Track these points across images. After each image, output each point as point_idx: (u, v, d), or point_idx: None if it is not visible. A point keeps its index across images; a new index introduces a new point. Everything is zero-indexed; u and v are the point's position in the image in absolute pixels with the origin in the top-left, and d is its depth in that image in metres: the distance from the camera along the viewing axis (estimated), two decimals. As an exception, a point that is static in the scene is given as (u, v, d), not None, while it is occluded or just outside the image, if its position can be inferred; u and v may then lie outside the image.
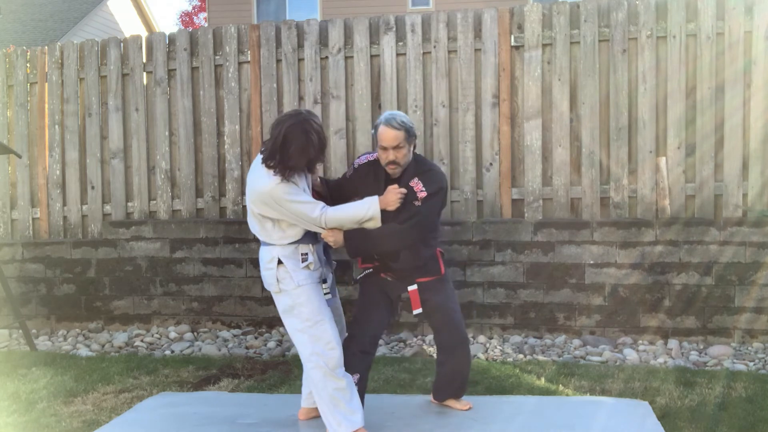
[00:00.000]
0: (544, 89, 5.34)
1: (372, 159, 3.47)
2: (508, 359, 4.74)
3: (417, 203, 3.30)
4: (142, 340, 5.50)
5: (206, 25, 17.28)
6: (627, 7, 5.21)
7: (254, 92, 5.74)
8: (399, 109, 5.51)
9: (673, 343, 4.92)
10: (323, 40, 5.66)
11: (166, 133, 5.90)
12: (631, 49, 5.22)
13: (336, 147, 5.61)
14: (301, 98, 5.69)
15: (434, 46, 5.46)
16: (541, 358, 4.74)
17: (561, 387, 4.04)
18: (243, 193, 5.79)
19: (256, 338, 5.43)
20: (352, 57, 5.61)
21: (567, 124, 5.29)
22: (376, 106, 5.58)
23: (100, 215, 6.01)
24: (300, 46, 5.68)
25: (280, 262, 3.23)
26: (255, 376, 4.41)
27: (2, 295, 5.42)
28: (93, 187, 6.02)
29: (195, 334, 5.61)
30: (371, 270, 3.52)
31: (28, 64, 6.17)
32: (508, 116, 5.37)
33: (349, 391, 3.26)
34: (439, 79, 5.46)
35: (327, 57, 5.65)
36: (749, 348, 4.86)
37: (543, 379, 4.17)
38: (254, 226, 3.31)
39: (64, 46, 6.10)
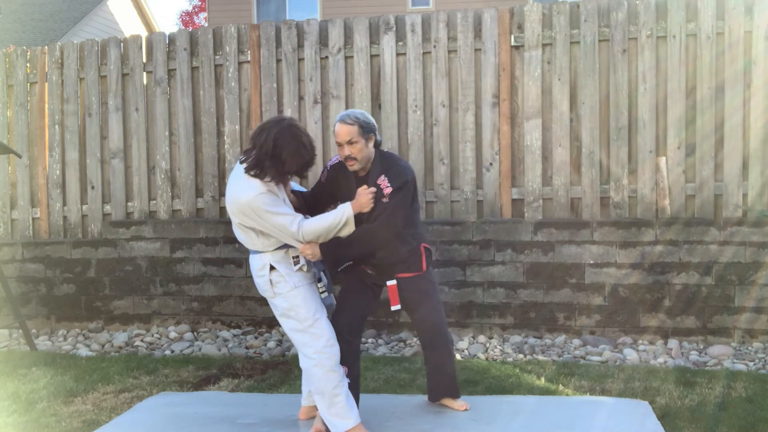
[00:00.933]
0: (544, 89, 5.34)
1: (341, 159, 3.49)
2: (508, 359, 4.74)
3: (385, 200, 3.33)
4: (142, 340, 5.50)
5: (206, 24, 17.28)
6: (627, 7, 5.21)
7: (254, 92, 5.74)
8: (399, 109, 5.52)
9: (673, 343, 4.92)
10: (323, 40, 5.66)
11: (166, 133, 5.90)
12: (631, 49, 5.22)
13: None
14: (301, 98, 5.69)
15: (434, 46, 5.46)
16: (541, 358, 4.74)
17: (561, 387, 4.04)
18: (243, 193, 5.78)
19: (256, 338, 5.43)
20: (352, 57, 5.61)
21: (567, 124, 5.29)
22: (376, 106, 5.58)
23: (100, 215, 6.01)
24: (300, 46, 5.68)
25: (272, 267, 3.25)
26: (255, 376, 4.41)
27: (2, 295, 5.42)
28: (93, 187, 6.02)
29: (195, 333, 5.61)
30: (352, 262, 3.54)
31: (28, 64, 6.17)
32: (508, 116, 5.37)
33: (345, 387, 3.27)
34: (439, 79, 5.46)
35: (327, 57, 5.65)
36: (749, 348, 4.86)
37: (543, 379, 4.16)
38: (240, 236, 3.32)
39: (64, 46, 6.10)
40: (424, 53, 5.50)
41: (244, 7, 14.47)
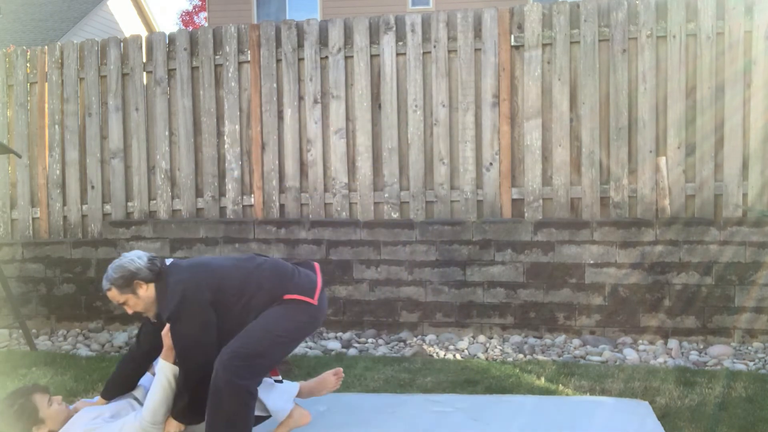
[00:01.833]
0: (544, 89, 5.34)
1: None
2: (508, 359, 4.74)
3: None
4: (142, 340, 5.50)
5: (206, 24, 17.28)
6: (627, 7, 5.21)
7: (254, 92, 5.74)
8: (399, 109, 5.52)
9: (673, 342, 4.92)
10: (323, 40, 5.66)
11: (166, 133, 5.90)
12: (631, 49, 5.22)
13: (336, 147, 5.61)
14: (301, 98, 5.69)
15: (434, 46, 5.46)
16: (541, 357, 4.74)
17: (561, 387, 4.04)
18: (243, 193, 5.79)
19: (256, 338, 5.43)
20: (352, 57, 5.61)
21: (567, 124, 5.29)
22: (376, 105, 5.58)
23: (100, 215, 6.01)
24: (300, 45, 5.68)
25: None
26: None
27: (2, 295, 5.42)
28: (93, 187, 6.02)
29: (195, 334, 5.60)
30: None
31: (28, 64, 6.17)
32: (508, 116, 5.37)
33: None
34: (439, 79, 5.46)
35: (327, 57, 5.65)
36: (749, 348, 4.86)
37: (543, 379, 4.16)
38: None
39: (64, 46, 6.10)
40: (424, 53, 5.50)
41: (244, 7, 14.48)
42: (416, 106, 5.49)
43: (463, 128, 5.43)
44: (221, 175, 5.83)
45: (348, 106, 5.62)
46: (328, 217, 5.65)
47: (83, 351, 5.29)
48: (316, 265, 3.39)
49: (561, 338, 5.11)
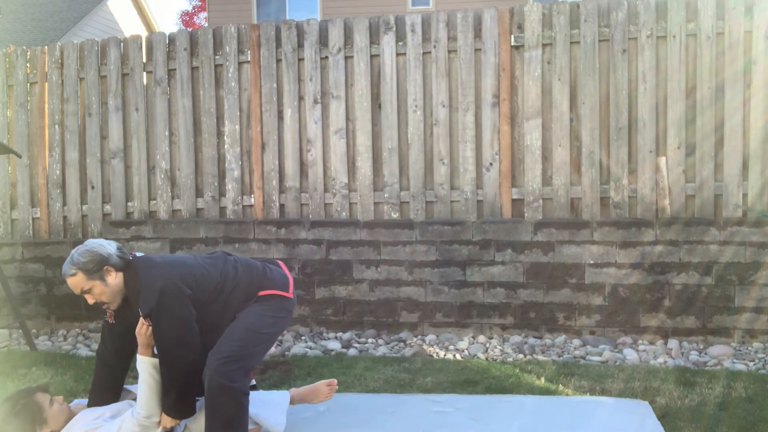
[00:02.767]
0: (544, 89, 5.34)
1: None
2: (508, 359, 4.74)
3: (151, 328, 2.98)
4: (142, 340, 5.50)
5: (206, 24, 17.28)
6: (627, 7, 5.21)
7: (254, 92, 5.74)
8: (399, 109, 5.52)
9: (673, 343, 4.92)
10: (323, 40, 5.66)
11: (166, 133, 5.90)
12: (631, 49, 5.22)
13: (336, 147, 5.61)
14: (301, 98, 5.69)
15: (434, 46, 5.46)
16: (541, 358, 4.74)
17: (561, 387, 4.04)
18: (243, 193, 5.79)
19: (256, 338, 5.43)
20: (352, 57, 5.61)
21: (567, 124, 5.29)
22: (376, 106, 5.58)
23: (100, 215, 6.01)
24: (300, 46, 5.68)
25: None
26: (255, 376, 4.40)
27: (2, 295, 5.42)
28: (93, 187, 6.02)
29: (195, 334, 5.60)
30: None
31: (28, 64, 6.17)
32: (508, 116, 5.37)
33: None
34: (439, 79, 5.46)
35: (327, 57, 5.65)
36: (749, 348, 4.86)
37: (543, 379, 4.16)
38: None
39: (64, 46, 6.10)
40: (424, 53, 5.50)
41: (244, 7, 14.48)
42: (416, 106, 5.49)
43: (463, 128, 5.43)
44: (221, 175, 5.83)
45: (348, 106, 5.62)
46: (328, 217, 5.65)
47: (83, 351, 5.29)
48: (281, 263, 3.44)
49: (561, 338, 5.11)
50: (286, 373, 4.42)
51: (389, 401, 3.83)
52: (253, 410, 3.13)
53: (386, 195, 5.54)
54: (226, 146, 5.80)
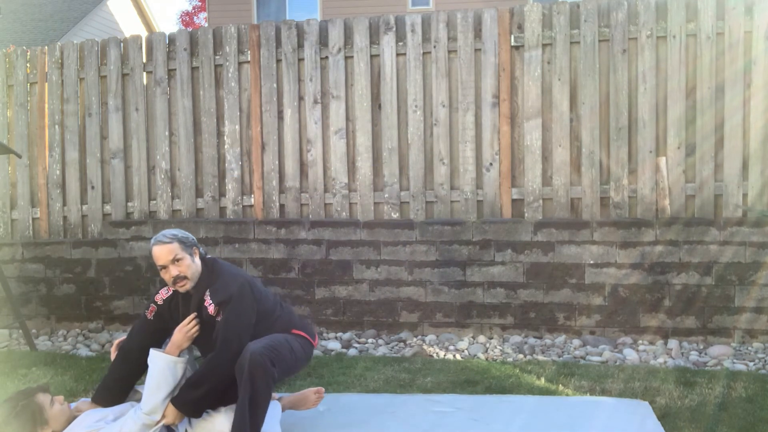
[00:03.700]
0: (544, 89, 5.34)
1: (171, 290, 3.26)
2: (508, 359, 4.74)
3: (218, 319, 3.10)
4: (142, 340, 5.50)
5: (206, 25, 17.29)
6: (627, 7, 5.21)
7: (254, 92, 5.74)
8: (399, 109, 5.52)
9: (673, 343, 4.92)
10: (323, 40, 5.66)
11: (166, 133, 5.90)
12: (631, 49, 5.22)
13: (336, 147, 5.61)
14: (301, 98, 5.69)
15: (434, 46, 5.46)
16: (541, 358, 4.74)
17: (561, 387, 4.04)
18: (243, 193, 5.79)
19: (256, 338, 5.43)
20: (352, 57, 5.61)
21: (567, 124, 5.29)
22: (376, 106, 5.58)
23: (100, 215, 6.01)
24: (300, 46, 5.68)
25: None
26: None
27: (2, 295, 5.42)
28: (93, 187, 6.03)
29: (195, 334, 5.61)
30: None
31: (28, 64, 6.17)
32: (508, 116, 5.37)
33: None
34: (439, 79, 5.46)
35: (327, 57, 5.65)
36: (749, 348, 4.86)
37: (543, 379, 4.17)
38: None
39: (64, 46, 6.10)
40: (424, 53, 5.50)
41: (244, 7, 14.48)
42: (416, 106, 5.49)
43: (463, 128, 5.43)
44: (221, 176, 5.83)
45: (348, 106, 5.62)
46: (328, 217, 5.65)
47: (83, 351, 5.29)
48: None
49: (561, 338, 5.11)
50: (286, 373, 4.42)
51: (389, 401, 3.83)
52: None
53: (386, 195, 5.54)
54: (226, 146, 5.80)
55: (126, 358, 3.31)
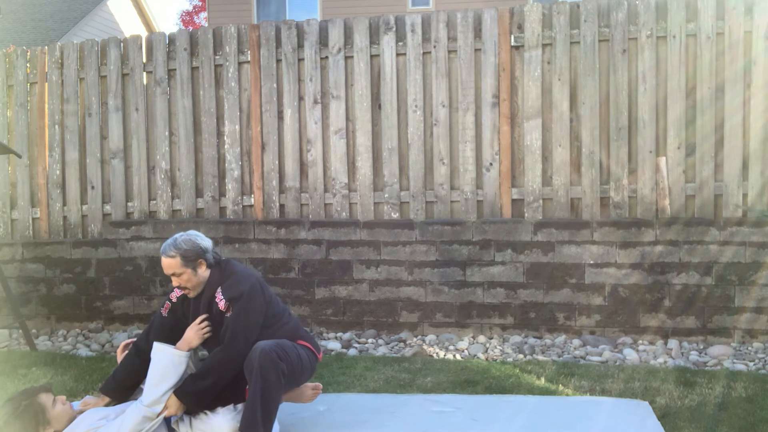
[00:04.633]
0: (544, 89, 5.34)
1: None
2: (508, 359, 4.74)
3: (228, 314, 3.15)
4: (142, 340, 5.50)
5: (206, 25, 17.28)
6: (627, 7, 5.21)
7: (254, 92, 5.74)
8: (399, 109, 5.52)
9: (673, 343, 4.92)
10: (323, 40, 5.66)
11: (166, 133, 5.90)
12: (631, 49, 5.22)
13: (336, 147, 5.61)
14: (301, 98, 5.69)
15: (434, 46, 5.46)
16: (541, 358, 4.74)
17: (561, 387, 4.04)
18: (243, 193, 5.79)
19: (256, 338, 5.43)
20: (352, 57, 5.61)
21: (567, 124, 5.29)
22: (376, 106, 5.58)
23: (100, 215, 6.01)
24: (300, 46, 5.68)
25: None
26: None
27: (2, 295, 5.42)
28: (93, 187, 6.03)
29: (195, 334, 5.61)
30: None
31: (28, 64, 6.17)
32: (508, 116, 5.37)
33: None
34: (439, 79, 5.46)
35: (327, 57, 5.65)
36: (749, 348, 4.86)
37: (543, 379, 4.17)
38: None
39: (64, 46, 6.10)
40: (424, 53, 5.50)
41: (244, 7, 14.48)
42: (416, 106, 5.49)
43: (463, 128, 5.43)
44: (221, 176, 5.83)
45: (348, 106, 5.62)
46: (328, 217, 5.65)
47: (83, 351, 5.29)
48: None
49: (561, 338, 5.11)
50: (286, 373, 4.42)
51: (389, 401, 3.83)
52: None
53: (386, 195, 5.54)
54: (226, 146, 5.80)
55: (139, 353, 3.34)
